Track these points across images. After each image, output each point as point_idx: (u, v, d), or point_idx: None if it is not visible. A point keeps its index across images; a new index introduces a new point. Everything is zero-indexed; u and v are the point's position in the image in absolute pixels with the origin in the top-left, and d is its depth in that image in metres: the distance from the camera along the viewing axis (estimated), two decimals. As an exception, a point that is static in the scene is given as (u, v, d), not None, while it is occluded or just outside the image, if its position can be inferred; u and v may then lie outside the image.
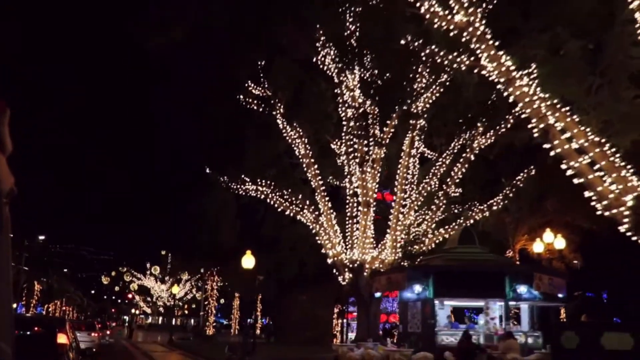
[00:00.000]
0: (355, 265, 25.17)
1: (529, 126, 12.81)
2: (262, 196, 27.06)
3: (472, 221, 26.08)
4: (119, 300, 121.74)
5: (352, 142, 25.27)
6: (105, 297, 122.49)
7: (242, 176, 26.46)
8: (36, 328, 10.34)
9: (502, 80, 13.17)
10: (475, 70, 15.86)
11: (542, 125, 12.45)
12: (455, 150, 26.03)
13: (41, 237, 54.16)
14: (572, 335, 15.31)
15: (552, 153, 12.64)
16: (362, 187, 25.17)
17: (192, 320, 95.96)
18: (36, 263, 55.86)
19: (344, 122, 25.14)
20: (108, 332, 45.55)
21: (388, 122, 25.77)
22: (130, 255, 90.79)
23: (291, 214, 27.19)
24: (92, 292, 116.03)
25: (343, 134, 25.33)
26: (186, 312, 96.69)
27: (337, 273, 26.24)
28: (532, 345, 18.19)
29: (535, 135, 12.82)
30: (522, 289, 17.74)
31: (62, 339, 9.59)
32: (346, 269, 25.54)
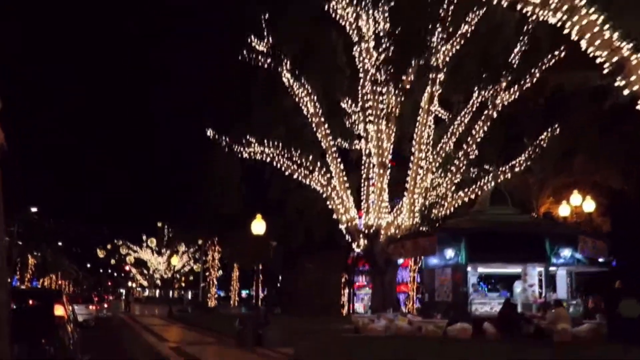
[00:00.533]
0: (371, 230, 23.47)
1: (599, 61, 10.96)
2: (269, 158, 25.22)
3: (493, 183, 24.44)
4: (115, 274, 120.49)
5: (367, 98, 23.37)
6: (101, 270, 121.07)
7: (248, 137, 24.55)
8: (32, 301, 10.04)
9: (564, 8, 11.26)
10: (519, 6, 13.98)
11: (615, 59, 10.62)
12: (474, 108, 24.25)
13: (33, 209, 52.25)
14: (632, 303, 13.69)
15: (626, 92, 10.81)
16: (377, 147, 23.34)
17: (190, 293, 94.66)
18: (29, 236, 54.02)
19: (361, 75, 23.24)
20: (106, 306, 44.13)
21: (404, 77, 23.92)
22: (126, 227, 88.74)
23: (299, 178, 25.38)
24: (88, 265, 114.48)
25: (359, 87, 23.42)
26: (183, 284, 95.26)
27: (350, 239, 24.55)
28: (572, 315, 16.56)
29: (607, 71, 10.99)
30: (565, 253, 16.08)
31: (59, 311, 9.15)
32: (360, 235, 23.84)
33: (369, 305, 27.44)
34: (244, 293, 75.04)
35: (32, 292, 16.93)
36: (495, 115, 23.94)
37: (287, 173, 25.57)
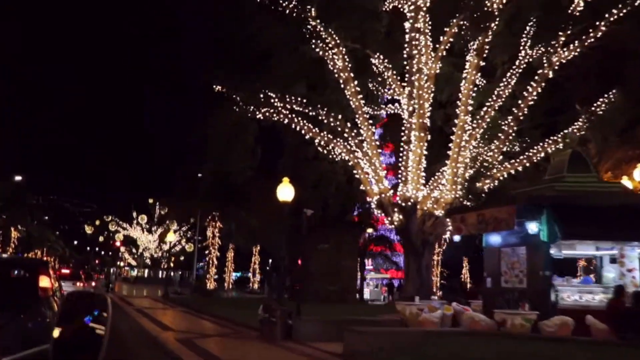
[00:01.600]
0: (409, 203, 20.11)
1: None
2: (287, 120, 21.75)
3: (542, 154, 21.23)
4: (103, 252, 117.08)
5: (409, 51, 19.96)
6: (88, 248, 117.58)
7: (266, 92, 21.06)
8: (15, 270, 9.10)
9: None
10: None
11: None
12: (520, 69, 20.93)
13: (18, 178, 48.51)
14: None
15: None
16: (418, 105, 19.94)
17: (179, 273, 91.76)
18: (13, 208, 50.32)
19: (409, 21, 19.78)
20: (93, 284, 40.79)
21: (446, 29, 20.51)
22: (116, 203, 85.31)
23: (321, 142, 21.99)
24: (75, 242, 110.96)
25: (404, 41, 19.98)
26: (172, 265, 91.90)
27: (381, 214, 21.19)
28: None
29: None
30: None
31: (44, 282, 8.20)
32: (395, 209, 20.47)
33: (399, 293, 24.05)
34: (234, 275, 71.96)
35: (15, 260, 14.80)
36: (551, 75, 20.72)
37: (307, 136, 22.21)
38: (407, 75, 20.46)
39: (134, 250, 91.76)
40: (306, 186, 28.92)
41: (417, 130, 20.02)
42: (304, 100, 21.15)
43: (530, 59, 21.00)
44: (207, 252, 39.45)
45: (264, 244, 52.47)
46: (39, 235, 65.97)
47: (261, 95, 21.41)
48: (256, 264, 57.75)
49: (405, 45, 20.11)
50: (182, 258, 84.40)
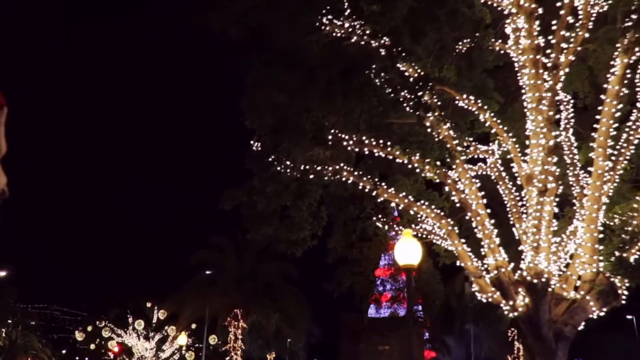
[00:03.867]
0: (541, 280, 14.24)
1: None
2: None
3: None
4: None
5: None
6: (77, 358, 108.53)
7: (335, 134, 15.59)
8: None
9: None
10: None
11: None
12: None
13: (1, 274, 42.29)
14: None
15: None
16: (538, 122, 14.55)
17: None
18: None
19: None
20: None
21: None
22: (109, 307, 77.84)
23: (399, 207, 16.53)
24: (64, 352, 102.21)
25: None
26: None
27: (499, 297, 15.19)
28: None
29: None
30: None
31: None
32: (519, 289, 14.56)
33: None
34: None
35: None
36: None
37: (380, 199, 16.68)
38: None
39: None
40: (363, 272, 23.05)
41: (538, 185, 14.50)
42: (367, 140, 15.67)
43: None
44: (227, 358, 32.65)
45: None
46: (23, 342, 58.77)
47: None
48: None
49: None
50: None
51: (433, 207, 16.77)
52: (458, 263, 16.39)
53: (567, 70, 14.25)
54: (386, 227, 19.20)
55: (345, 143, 15.03)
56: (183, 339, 34.34)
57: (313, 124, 14.32)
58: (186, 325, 33.08)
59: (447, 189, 17.17)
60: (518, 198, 16.48)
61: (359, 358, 22.62)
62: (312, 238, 16.99)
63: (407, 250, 9.99)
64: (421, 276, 21.31)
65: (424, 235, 18.28)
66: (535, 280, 14.07)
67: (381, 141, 15.46)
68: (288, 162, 15.63)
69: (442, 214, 16.62)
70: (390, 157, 15.88)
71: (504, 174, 17.11)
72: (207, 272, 34.41)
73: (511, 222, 16.24)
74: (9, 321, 51.80)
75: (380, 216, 18.93)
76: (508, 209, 16.62)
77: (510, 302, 14.64)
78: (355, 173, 16.69)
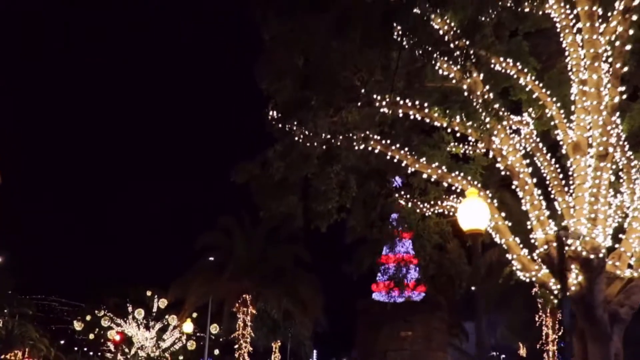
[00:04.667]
0: (599, 256, 12.76)
1: None
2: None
3: None
4: (91, 353, 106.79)
5: None
6: (76, 348, 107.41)
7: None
8: None
9: None
10: None
11: None
12: None
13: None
14: None
15: None
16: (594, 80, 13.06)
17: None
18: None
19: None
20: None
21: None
22: (108, 295, 76.59)
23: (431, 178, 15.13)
24: (62, 342, 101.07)
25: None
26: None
27: (544, 275, 13.68)
28: None
29: None
30: None
31: None
32: (573, 266, 13.05)
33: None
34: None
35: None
36: None
37: (410, 169, 15.23)
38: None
39: (126, 350, 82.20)
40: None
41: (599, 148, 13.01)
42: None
43: None
44: (235, 346, 31.12)
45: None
46: (20, 332, 57.54)
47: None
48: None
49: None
50: (181, 358, 75.17)
51: (469, 178, 15.28)
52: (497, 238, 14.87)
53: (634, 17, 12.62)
54: (409, 204, 17.69)
55: (377, 104, 13.45)
56: (189, 327, 32.78)
57: (344, 80, 12.76)
58: (191, 312, 31.66)
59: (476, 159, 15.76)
60: (559, 170, 15.02)
61: (377, 345, 21.33)
62: (339, 211, 15.51)
63: (472, 213, 8.46)
64: (446, 256, 19.84)
65: (451, 213, 17.03)
66: (592, 256, 12.56)
67: (417, 102, 13.92)
68: (307, 132, 14.11)
69: (479, 185, 15.12)
70: (427, 120, 14.35)
71: (540, 145, 15.60)
72: (210, 259, 32.83)
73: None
74: (5, 311, 50.42)
75: (402, 193, 17.54)
76: (548, 182, 15.12)
77: (557, 284, 13.13)
78: (383, 142, 15.22)
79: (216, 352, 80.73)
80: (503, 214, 14.61)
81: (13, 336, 55.98)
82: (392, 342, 21.65)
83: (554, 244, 13.10)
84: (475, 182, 15.45)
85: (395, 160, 15.43)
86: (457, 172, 15.43)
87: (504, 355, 63.58)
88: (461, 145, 16.91)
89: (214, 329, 53.69)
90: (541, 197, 13.76)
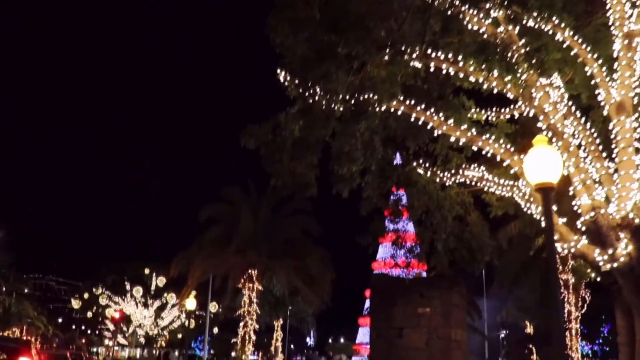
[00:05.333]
0: (648, 222, 11.58)
1: None
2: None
3: None
4: (89, 331, 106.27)
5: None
6: (74, 326, 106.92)
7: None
8: None
9: None
10: None
11: None
12: None
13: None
14: None
15: None
16: None
17: (177, 353, 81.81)
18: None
19: None
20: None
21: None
22: (106, 273, 75.74)
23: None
24: (60, 320, 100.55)
25: None
26: (163, 343, 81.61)
27: (585, 246, 12.49)
28: None
29: None
30: None
31: None
32: (621, 234, 11.87)
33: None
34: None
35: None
36: None
37: (440, 129, 14.00)
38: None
39: (124, 328, 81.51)
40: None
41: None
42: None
43: None
44: (241, 323, 29.99)
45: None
46: (17, 310, 56.60)
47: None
48: (278, 342, 47.99)
49: None
50: (179, 336, 74.72)
51: (501, 141, 14.05)
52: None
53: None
54: (429, 173, 16.45)
55: (407, 57, 12.16)
56: (192, 303, 31.52)
57: (371, 30, 11.47)
58: (194, 287, 30.50)
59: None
60: (595, 135, 13.78)
61: (392, 322, 20.17)
62: (362, 175, 14.29)
63: (542, 164, 7.21)
64: (467, 229, 18.64)
65: (473, 183, 15.81)
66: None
67: (450, 55, 12.63)
68: (326, 91, 12.83)
69: (513, 149, 13.90)
70: (460, 75, 13.07)
71: (573, 108, 14.35)
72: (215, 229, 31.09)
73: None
74: (3, 289, 49.44)
75: (421, 161, 16.29)
76: (584, 147, 13.89)
77: (609, 251, 11.96)
78: (407, 102, 13.97)
79: (215, 330, 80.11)
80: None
81: (10, 314, 55.12)
82: (409, 319, 20.50)
83: (602, 211, 11.92)
84: (508, 146, 14.25)
85: (419, 123, 14.23)
86: (487, 135, 14.21)
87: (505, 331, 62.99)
88: (483, 112, 15.71)
89: (213, 307, 52.68)
90: (587, 160, 12.53)
